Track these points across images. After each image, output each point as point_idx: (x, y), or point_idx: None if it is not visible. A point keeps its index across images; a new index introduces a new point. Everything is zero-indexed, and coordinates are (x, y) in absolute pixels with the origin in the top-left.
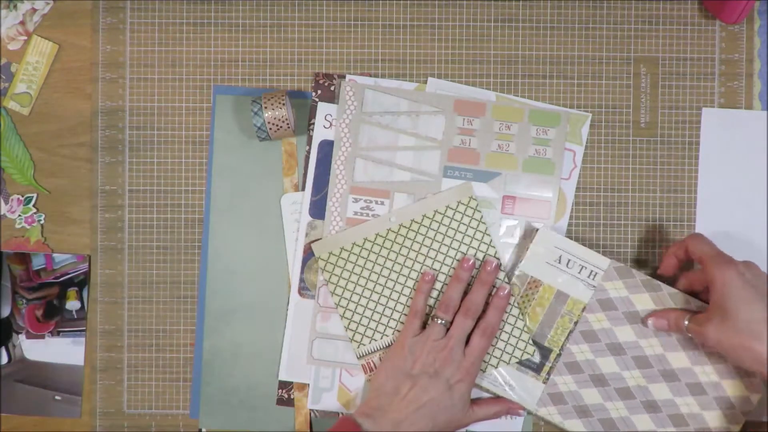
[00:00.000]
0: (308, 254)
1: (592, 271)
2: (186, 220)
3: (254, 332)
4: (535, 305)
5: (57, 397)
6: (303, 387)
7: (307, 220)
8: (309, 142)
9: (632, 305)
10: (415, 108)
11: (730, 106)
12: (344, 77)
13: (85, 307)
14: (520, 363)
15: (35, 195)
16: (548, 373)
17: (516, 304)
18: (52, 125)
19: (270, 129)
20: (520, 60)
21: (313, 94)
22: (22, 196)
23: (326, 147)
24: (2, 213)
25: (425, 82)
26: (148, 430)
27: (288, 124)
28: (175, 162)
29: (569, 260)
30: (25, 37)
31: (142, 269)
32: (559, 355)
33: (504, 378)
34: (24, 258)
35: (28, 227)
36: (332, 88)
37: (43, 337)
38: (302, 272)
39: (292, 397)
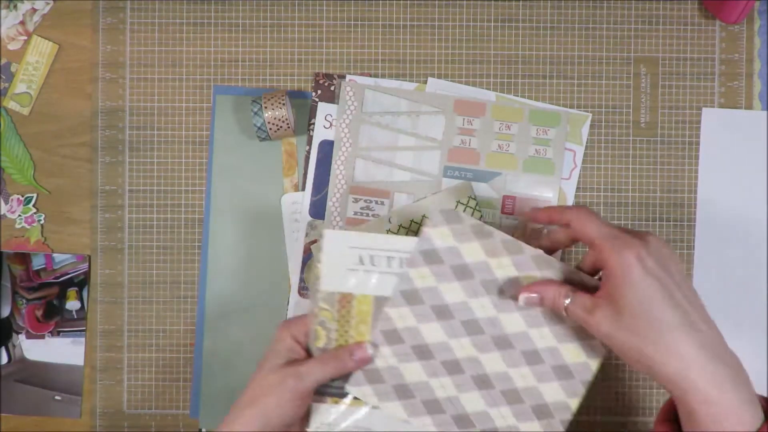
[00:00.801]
0: (308, 254)
1: (402, 258)
2: (186, 220)
3: (254, 332)
4: (357, 324)
5: (57, 397)
6: None
7: (307, 220)
8: (309, 142)
9: (461, 257)
10: (415, 108)
11: (730, 106)
12: (344, 77)
13: (85, 307)
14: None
15: (35, 195)
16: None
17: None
18: (52, 125)
19: (270, 129)
20: (520, 60)
21: (313, 94)
22: (22, 196)
23: (326, 147)
24: (2, 213)
25: (425, 82)
26: (148, 430)
27: (288, 124)
28: (175, 162)
29: (372, 256)
30: (25, 37)
31: (142, 269)
32: None
33: None
34: (24, 258)
35: (28, 227)
36: (332, 88)
37: (43, 337)
38: (302, 272)
39: None
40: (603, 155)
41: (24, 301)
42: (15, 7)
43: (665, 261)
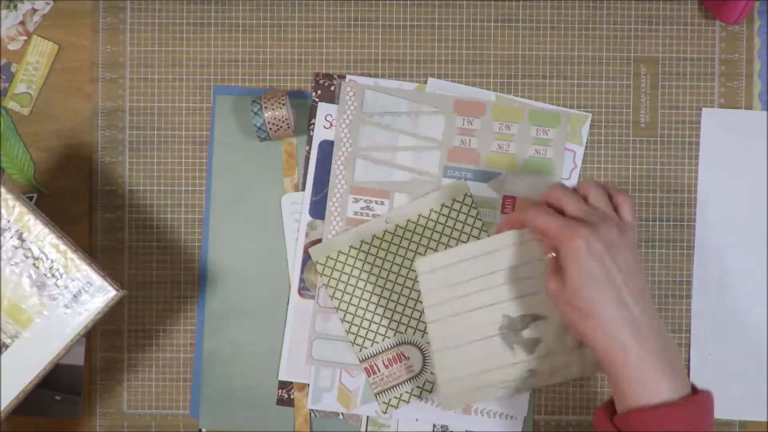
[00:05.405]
0: (308, 254)
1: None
2: (186, 220)
3: (254, 332)
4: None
5: (57, 397)
6: (303, 387)
7: (308, 220)
8: (309, 142)
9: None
10: (415, 108)
11: (730, 106)
12: (344, 77)
13: None
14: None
15: (35, 195)
16: None
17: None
18: (52, 125)
19: (270, 129)
20: (520, 60)
21: (313, 94)
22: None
23: (326, 147)
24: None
25: (425, 82)
26: (148, 430)
27: (288, 124)
28: (175, 162)
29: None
30: (25, 37)
31: (142, 269)
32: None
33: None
34: None
35: None
36: (332, 88)
37: None
38: (302, 272)
39: (292, 397)
40: (603, 155)
41: None
42: (15, 7)
43: (612, 245)
